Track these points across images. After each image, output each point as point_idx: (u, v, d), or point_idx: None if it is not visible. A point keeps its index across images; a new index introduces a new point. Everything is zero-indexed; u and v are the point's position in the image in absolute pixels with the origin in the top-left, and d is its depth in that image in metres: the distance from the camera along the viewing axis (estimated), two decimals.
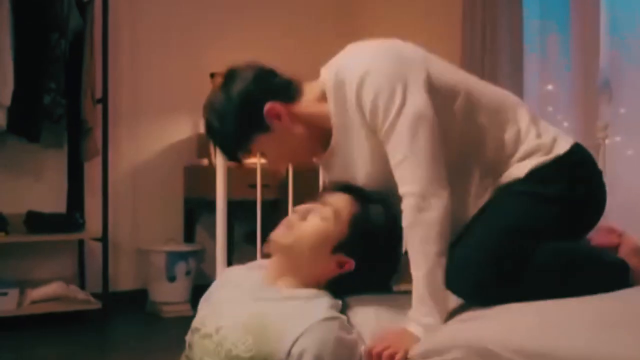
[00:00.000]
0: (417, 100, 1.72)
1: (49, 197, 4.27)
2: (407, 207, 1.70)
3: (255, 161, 2.71)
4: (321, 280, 1.77)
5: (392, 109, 1.71)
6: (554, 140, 1.89)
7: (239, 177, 4.05)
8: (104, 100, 4.14)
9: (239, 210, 3.82)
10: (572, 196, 1.84)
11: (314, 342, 1.58)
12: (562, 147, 1.88)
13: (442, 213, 1.69)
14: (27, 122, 3.99)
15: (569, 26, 3.96)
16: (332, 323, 1.63)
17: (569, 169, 1.87)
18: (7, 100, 3.83)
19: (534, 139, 1.88)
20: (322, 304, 1.68)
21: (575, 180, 1.86)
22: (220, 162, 2.65)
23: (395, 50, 1.82)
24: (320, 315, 1.63)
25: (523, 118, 1.90)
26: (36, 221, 4.07)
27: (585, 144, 2.01)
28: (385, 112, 1.71)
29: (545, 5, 4.15)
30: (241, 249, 4.25)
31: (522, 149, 1.86)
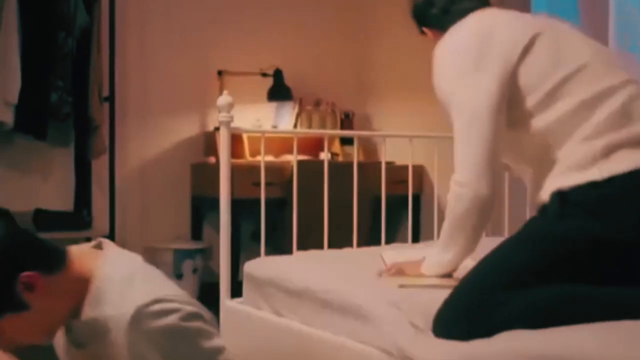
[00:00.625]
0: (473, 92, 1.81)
1: (57, 195, 4.28)
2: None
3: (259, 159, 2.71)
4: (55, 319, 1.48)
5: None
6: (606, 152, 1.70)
7: (245, 175, 4.05)
8: (110, 98, 4.15)
9: (245, 208, 3.81)
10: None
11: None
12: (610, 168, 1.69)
13: (470, 205, 1.80)
14: (34, 120, 3.99)
15: (579, 23, 3.95)
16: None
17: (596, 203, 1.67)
18: (14, 98, 3.83)
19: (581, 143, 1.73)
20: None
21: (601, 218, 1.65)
22: (224, 160, 2.65)
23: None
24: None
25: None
26: (44, 219, 4.07)
27: None
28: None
29: (553, 3, 4.14)
30: (248, 247, 4.25)
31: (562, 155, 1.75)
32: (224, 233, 2.68)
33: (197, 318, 1.42)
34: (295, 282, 2.25)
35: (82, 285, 1.44)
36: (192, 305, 1.43)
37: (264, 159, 4.53)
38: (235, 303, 2.56)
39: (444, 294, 1.75)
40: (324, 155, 4.96)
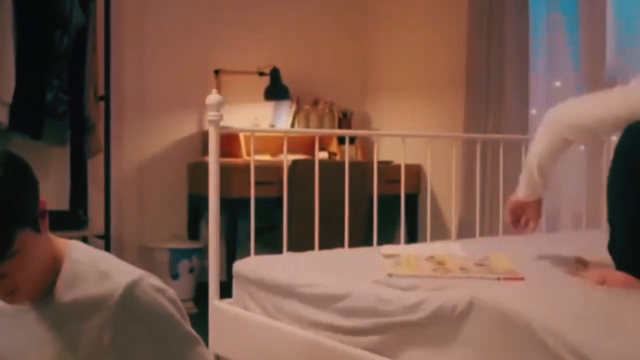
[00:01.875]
0: None
1: (53, 194, 4.25)
2: None
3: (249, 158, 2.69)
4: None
5: None
6: None
7: (242, 174, 4.03)
8: (106, 97, 4.13)
9: (244, 207, 3.79)
10: None
11: None
12: None
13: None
14: (30, 119, 3.98)
15: (577, 20, 3.92)
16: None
17: None
18: (9, 97, 3.82)
19: None
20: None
21: None
22: (212, 159, 2.63)
23: None
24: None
25: None
26: None
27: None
28: None
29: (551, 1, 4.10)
30: (247, 246, 4.22)
31: None
32: (212, 234, 2.67)
33: (179, 302, 1.43)
34: (280, 282, 2.23)
35: (53, 263, 1.42)
36: (172, 290, 1.43)
37: (261, 158, 4.52)
38: (224, 303, 2.54)
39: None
40: (320, 155, 4.94)
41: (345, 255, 2.68)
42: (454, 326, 1.72)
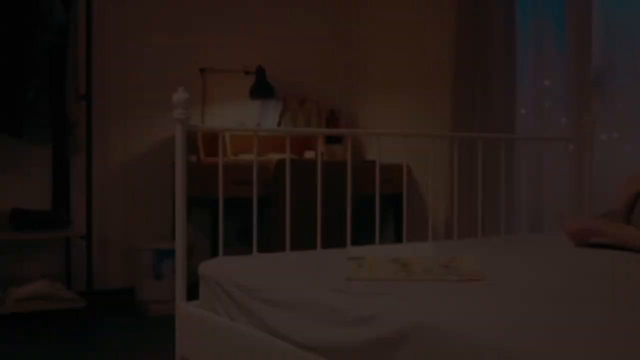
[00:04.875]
0: None
1: (34, 194, 4.23)
2: None
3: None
4: None
5: None
6: None
7: (226, 174, 3.99)
8: (88, 96, 4.08)
9: (228, 206, 3.75)
10: None
11: None
12: None
13: None
14: (11, 117, 3.94)
15: (564, 21, 3.88)
16: None
17: None
18: None
19: None
20: None
21: None
22: (179, 159, 2.58)
23: None
24: None
25: None
26: (21, 218, 4.02)
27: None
28: None
29: (538, 3, 4.05)
30: (234, 247, 4.18)
31: None
32: (179, 235, 2.64)
33: None
34: (244, 284, 2.18)
35: None
36: None
37: (247, 157, 4.47)
38: (190, 306, 2.49)
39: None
40: (307, 154, 4.88)
41: (315, 257, 2.62)
42: (392, 352, 1.64)
